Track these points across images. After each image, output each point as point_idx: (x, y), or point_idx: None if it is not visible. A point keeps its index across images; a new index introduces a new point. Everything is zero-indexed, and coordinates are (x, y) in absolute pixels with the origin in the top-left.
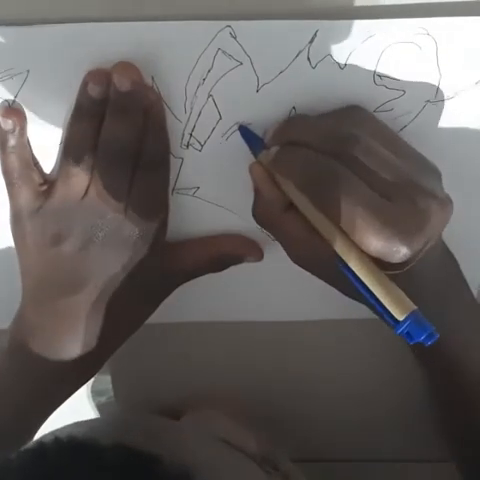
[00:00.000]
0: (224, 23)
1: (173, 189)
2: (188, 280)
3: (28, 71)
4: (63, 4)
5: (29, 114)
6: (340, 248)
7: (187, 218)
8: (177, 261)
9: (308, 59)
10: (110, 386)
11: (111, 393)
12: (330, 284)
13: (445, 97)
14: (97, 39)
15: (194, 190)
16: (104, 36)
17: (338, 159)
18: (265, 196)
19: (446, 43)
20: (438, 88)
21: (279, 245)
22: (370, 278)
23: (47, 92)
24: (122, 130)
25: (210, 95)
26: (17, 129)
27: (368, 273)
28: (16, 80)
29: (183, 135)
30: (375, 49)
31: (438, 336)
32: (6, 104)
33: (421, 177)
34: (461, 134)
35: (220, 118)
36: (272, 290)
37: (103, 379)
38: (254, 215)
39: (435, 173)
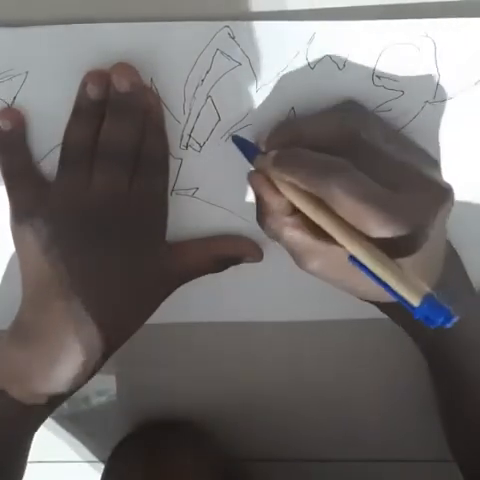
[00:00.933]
0: (222, 24)
1: (172, 190)
2: (188, 281)
3: (27, 72)
4: (62, 5)
5: (28, 115)
6: (347, 242)
7: (186, 219)
8: (177, 262)
9: (307, 60)
10: (110, 386)
11: (111, 393)
12: (342, 288)
13: (444, 98)
14: (96, 40)
15: (193, 191)
16: (103, 37)
17: (338, 155)
18: (268, 203)
19: (445, 44)
20: (437, 89)
21: (279, 245)
22: (381, 267)
23: (46, 93)
24: (121, 131)
25: (209, 96)
26: (15, 130)
27: (378, 263)
28: (15, 81)
29: (182, 136)
30: (374, 50)
31: (457, 318)
32: (4, 105)
33: (422, 167)
34: (460, 134)
35: (219, 119)
36: (272, 290)
37: (103, 379)
38: (259, 224)
39: (435, 164)
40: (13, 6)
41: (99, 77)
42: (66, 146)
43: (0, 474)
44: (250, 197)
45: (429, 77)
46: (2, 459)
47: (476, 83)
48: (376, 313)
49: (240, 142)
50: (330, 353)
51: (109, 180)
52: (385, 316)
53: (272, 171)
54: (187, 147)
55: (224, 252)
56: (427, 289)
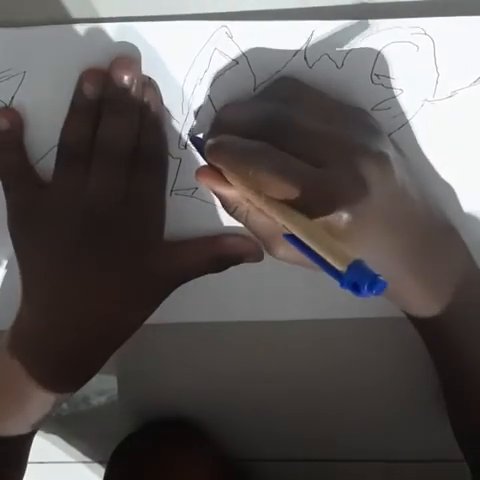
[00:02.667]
0: (220, 23)
1: (171, 190)
2: (188, 280)
3: (24, 72)
4: (59, 5)
5: (26, 115)
6: (281, 218)
7: (186, 219)
8: (177, 261)
9: (305, 59)
10: (110, 386)
11: (111, 393)
12: (305, 265)
13: (443, 96)
14: (93, 40)
15: (192, 191)
16: (101, 37)
17: (265, 139)
18: (220, 195)
19: (444, 42)
20: (436, 87)
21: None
22: (307, 236)
23: (44, 93)
24: (118, 129)
25: (207, 95)
26: (13, 130)
27: (305, 233)
28: (13, 81)
29: (181, 136)
30: (372, 48)
31: (386, 284)
32: (2, 105)
33: (354, 137)
34: (459, 133)
35: None
36: (272, 290)
37: (103, 379)
38: (227, 213)
39: (371, 130)
40: (11, 6)
41: (95, 75)
42: (63, 145)
43: (1, 474)
44: None
45: (428, 75)
46: (2, 460)
47: (475, 81)
48: (376, 312)
49: (197, 142)
50: (330, 353)
51: (106, 179)
52: (385, 316)
53: (209, 159)
54: (186, 147)
55: (224, 252)
56: (355, 257)
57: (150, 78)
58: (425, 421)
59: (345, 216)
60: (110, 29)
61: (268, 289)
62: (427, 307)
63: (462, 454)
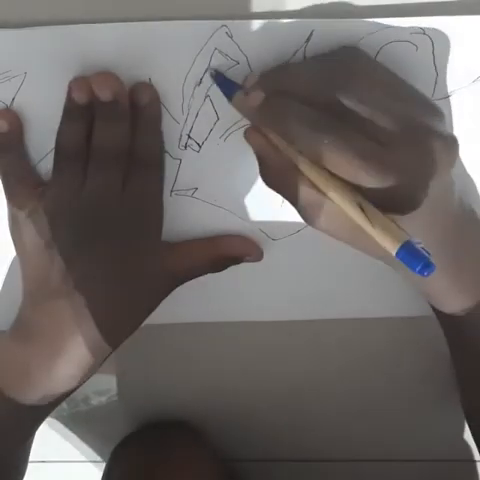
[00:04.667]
0: (220, 23)
1: (171, 190)
2: (188, 280)
3: (25, 73)
4: (60, 6)
5: (26, 116)
6: (338, 197)
7: (186, 219)
8: (176, 261)
9: (305, 58)
10: (111, 386)
11: (111, 393)
12: (352, 245)
13: (442, 95)
14: (94, 40)
15: (192, 191)
16: (101, 37)
17: (330, 110)
18: (269, 161)
19: (442, 42)
20: (435, 87)
21: (279, 245)
22: (360, 214)
23: (44, 94)
24: (111, 132)
25: (207, 95)
26: (12, 131)
27: (357, 208)
28: (13, 82)
29: (181, 136)
30: (371, 48)
31: (434, 267)
32: (3, 106)
33: (423, 118)
34: (458, 133)
35: (217, 119)
36: (272, 290)
37: (104, 379)
38: (264, 181)
39: (438, 113)
40: (11, 7)
41: (83, 84)
42: (58, 148)
43: (1, 474)
44: (250, 197)
45: (427, 75)
46: (3, 459)
47: (474, 81)
48: (376, 313)
49: (220, 79)
50: (330, 353)
51: (102, 180)
52: (385, 315)
53: (255, 116)
54: (186, 147)
55: (224, 252)
56: (407, 237)
57: (150, 78)
58: (425, 421)
59: (407, 198)
60: (110, 30)
61: (268, 289)
62: (458, 300)
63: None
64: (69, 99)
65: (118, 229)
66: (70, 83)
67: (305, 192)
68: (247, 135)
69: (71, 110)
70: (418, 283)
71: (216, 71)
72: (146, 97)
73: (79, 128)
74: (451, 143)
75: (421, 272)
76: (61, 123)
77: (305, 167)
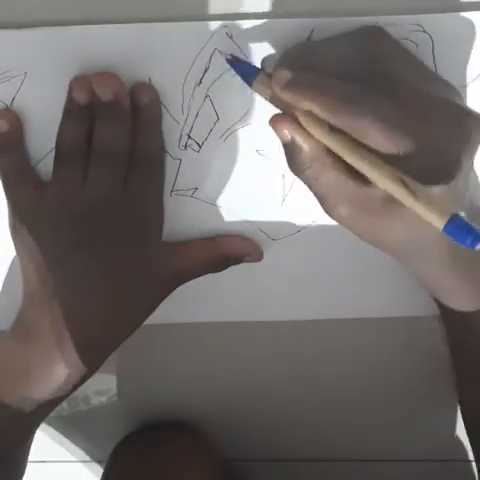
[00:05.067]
0: (220, 23)
1: (171, 190)
2: (188, 280)
3: (25, 73)
4: (60, 6)
5: (26, 116)
6: (377, 174)
7: (186, 219)
8: (176, 261)
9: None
10: (111, 386)
11: (111, 393)
12: (366, 239)
13: None
14: (94, 41)
15: (192, 191)
16: (101, 38)
17: (361, 85)
18: (299, 147)
19: (442, 40)
20: None
21: (279, 245)
22: (406, 192)
23: (45, 94)
24: (111, 134)
25: (207, 96)
26: (12, 131)
27: (404, 189)
28: (13, 82)
29: (181, 136)
30: None
31: None
32: (3, 106)
33: (452, 98)
34: None
35: (218, 119)
36: (272, 290)
37: (103, 379)
38: (291, 169)
39: (460, 96)
40: (11, 7)
41: (84, 83)
42: (59, 148)
43: (1, 474)
44: (250, 197)
45: None
46: (2, 459)
47: (474, 80)
48: (376, 313)
49: (237, 63)
50: (330, 353)
51: (103, 180)
52: (385, 315)
53: (285, 94)
54: (186, 147)
55: (224, 252)
56: (452, 210)
57: (150, 79)
58: (426, 421)
59: (442, 173)
60: (111, 30)
61: (268, 289)
62: (467, 296)
63: (463, 452)
64: (70, 99)
65: (118, 229)
66: (71, 83)
67: (334, 179)
68: (273, 122)
69: (71, 110)
70: (427, 278)
71: (232, 56)
72: (146, 97)
73: (80, 128)
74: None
75: (472, 245)
76: (61, 123)
77: (340, 146)
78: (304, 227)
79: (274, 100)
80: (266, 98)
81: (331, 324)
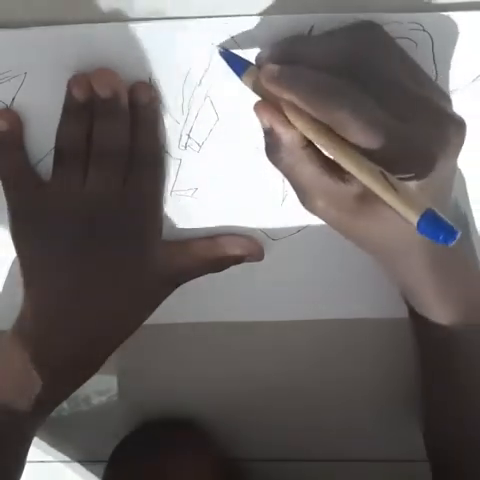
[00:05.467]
0: (221, 21)
1: (171, 190)
2: (188, 280)
3: (25, 73)
4: (60, 6)
5: (26, 116)
6: (354, 166)
7: (186, 219)
8: (176, 261)
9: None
10: (111, 386)
11: (111, 393)
12: (342, 232)
13: None
14: (94, 40)
15: (192, 191)
16: (101, 37)
17: (346, 79)
18: (279, 136)
19: (442, 39)
20: None
21: (279, 245)
22: (381, 185)
23: (45, 94)
24: (111, 132)
25: (207, 96)
26: (12, 131)
27: (378, 182)
28: (13, 82)
29: (181, 136)
30: None
31: (459, 233)
32: (3, 106)
33: (438, 101)
34: None
35: (217, 119)
36: (272, 290)
37: (104, 379)
38: (269, 158)
39: (448, 99)
40: (12, 7)
41: (83, 80)
42: (58, 147)
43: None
44: (250, 197)
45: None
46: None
47: (474, 80)
48: (375, 313)
49: (229, 57)
50: (330, 353)
51: (102, 180)
52: (385, 316)
53: (270, 86)
54: (186, 147)
55: (224, 252)
56: (428, 205)
57: (150, 78)
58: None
59: (421, 175)
60: (111, 30)
61: (268, 289)
62: (442, 308)
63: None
64: (68, 97)
65: (118, 228)
66: (69, 80)
67: (310, 171)
68: (257, 108)
69: (71, 108)
70: (402, 280)
71: (224, 49)
72: (146, 97)
73: (79, 127)
74: (462, 127)
75: (444, 240)
76: (61, 121)
77: (321, 138)
78: (304, 227)
79: (260, 92)
80: (255, 91)
81: (331, 324)
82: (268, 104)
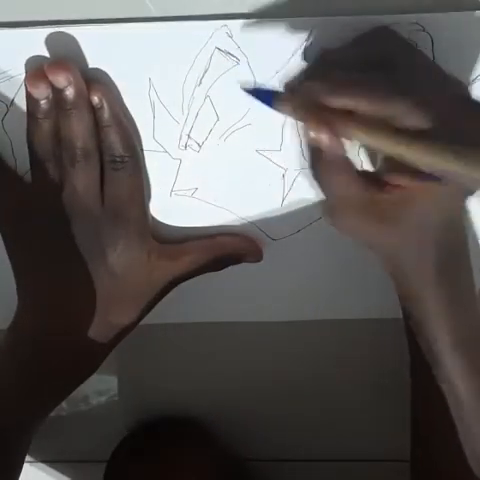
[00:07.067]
0: (220, 23)
1: (171, 190)
2: (187, 279)
3: (25, 73)
4: (60, 6)
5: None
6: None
7: (186, 219)
8: (176, 261)
9: (304, 56)
10: (111, 386)
11: (111, 393)
12: (363, 244)
13: None
14: (94, 41)
15: (192, 191)
16: (101, 38)
17: None
18: (329, 149)
19: (443, 39)
20: None
21: (279, 245)
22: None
23: None
24: (74, 127)
25: (207, 96)
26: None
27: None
28: (13, 82)
29: (181, 136)
30: None
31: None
32: (3, 106)
33: (464, 107)
34: None
35: (218, 119)
36: (272, 290)
37: (103, 379)
38: (312, 171)
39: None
40: (11, 7)
41: (37, 76)
42: (31, 151)
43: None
44: (250, 197)
45: None
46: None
47: (474, 80)
48: (376, 314)
49: (256, 92)
50: (330, 353)
51: (78, 181)
52: (385, 316)
53: (328, 99)
54: (186, 147)
55: (224, 251)
56: None
57: (150, 79)
58: None
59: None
60: (111, 30)
61: (268, 289)
62: (440, 320)
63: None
64: (28, 98)
65: (103, 229)
66: (25, 80)
67: (356, 189)
68: (306, 120)
69: (34, 109)
70: (408, 286)
71: (257, 89)
72: (96, 97)
73: (46, 126)
74: None
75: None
76: (27, 124)
77: (379, 141)
78: (304, 227)
79: (301, 113)
80: (289, 115)
81: (331, 324)
82: (316, 116)
